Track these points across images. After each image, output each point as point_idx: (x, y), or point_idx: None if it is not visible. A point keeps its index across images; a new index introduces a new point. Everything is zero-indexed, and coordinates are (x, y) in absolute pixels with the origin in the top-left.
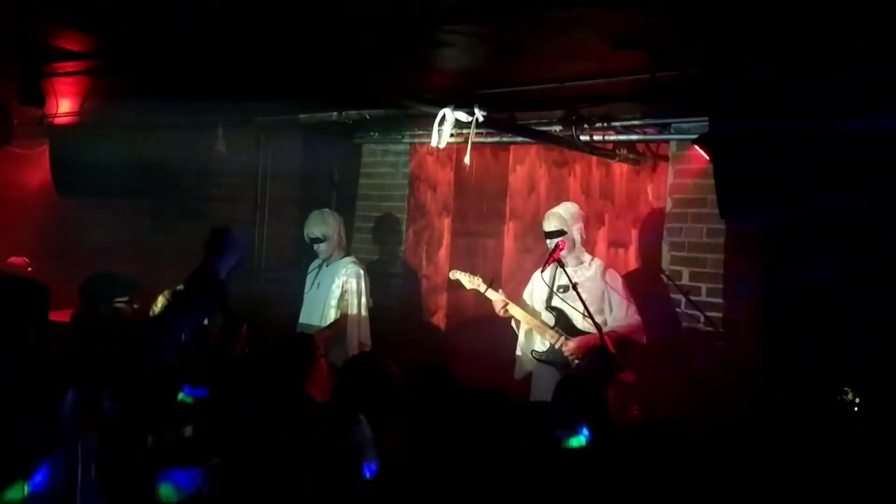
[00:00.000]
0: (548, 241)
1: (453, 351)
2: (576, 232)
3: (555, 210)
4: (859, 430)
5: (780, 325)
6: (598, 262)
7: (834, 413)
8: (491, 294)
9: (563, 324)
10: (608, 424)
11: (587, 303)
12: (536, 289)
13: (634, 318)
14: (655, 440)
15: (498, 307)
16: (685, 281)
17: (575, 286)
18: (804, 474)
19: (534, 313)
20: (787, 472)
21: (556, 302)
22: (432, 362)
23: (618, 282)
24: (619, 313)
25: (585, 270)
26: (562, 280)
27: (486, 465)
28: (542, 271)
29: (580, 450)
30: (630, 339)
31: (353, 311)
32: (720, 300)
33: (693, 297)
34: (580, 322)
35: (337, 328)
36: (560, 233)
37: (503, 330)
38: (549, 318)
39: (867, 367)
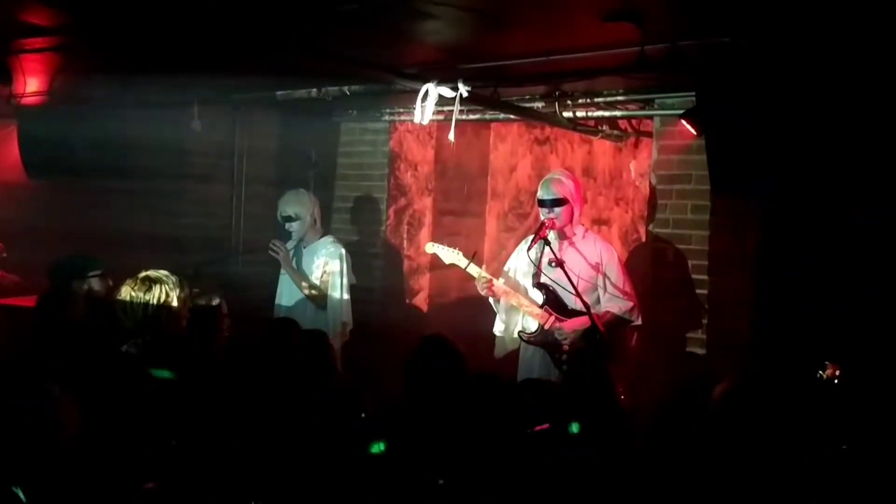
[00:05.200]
0: (543, 210)
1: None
2: (577, 202)
3: (556, 176)
4: (839, 407)
5: (769, 303)
6: (592, 234)
7: (814, 390)
8: (472, 269)
9: (554, 303)
10: (616, 410)
11: (580, 277)
12: (521, 263)
13: (630, 297)
14: (644, 420)
15: (481, 284)
16: (670, 259)
17: (562, 263)
18: (788, 452)
19: (519, 290)
20: (773, 451)
21: (544, 279)
22: (433, 334)
23: (614, 257)
24: (614, 291)
25: (580, 243)
26: (551, 255)
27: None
28: (529, 249)
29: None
30: (626, 320)
31: (334, 291)
32: (705, 277)
33: (678, 275)
34: (572, 301)
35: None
36: (562, 202)
37: (488, 310)
38: (537, 296)
39: (853, 346)
